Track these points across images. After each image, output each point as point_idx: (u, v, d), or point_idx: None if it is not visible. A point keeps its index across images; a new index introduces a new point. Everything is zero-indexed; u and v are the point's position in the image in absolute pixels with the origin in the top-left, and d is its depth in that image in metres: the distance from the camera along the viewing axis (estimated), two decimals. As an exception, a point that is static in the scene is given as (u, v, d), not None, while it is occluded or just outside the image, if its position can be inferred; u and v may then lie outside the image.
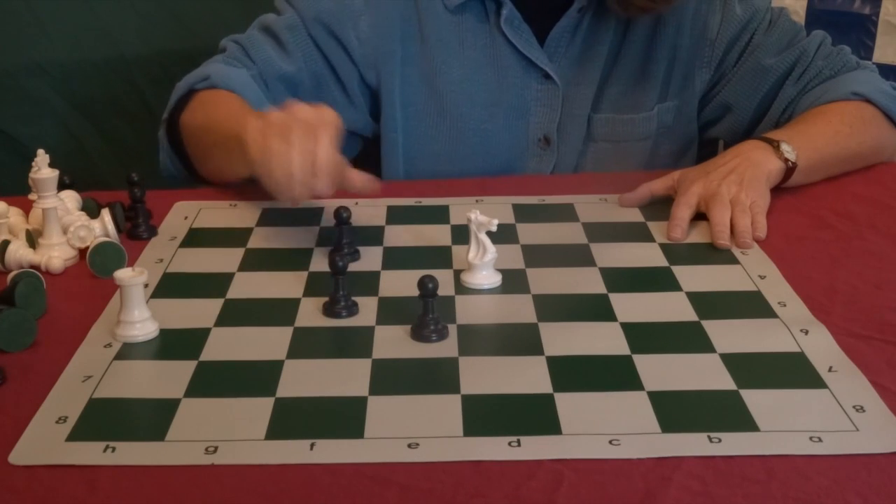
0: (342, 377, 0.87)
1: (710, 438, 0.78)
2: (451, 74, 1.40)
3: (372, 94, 1.42)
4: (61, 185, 1.13)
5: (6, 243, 1.08)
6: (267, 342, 0.93)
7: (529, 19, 1.38)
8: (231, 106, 1.25)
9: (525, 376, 0.87)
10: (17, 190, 1.21)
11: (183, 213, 1.24)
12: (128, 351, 0.92)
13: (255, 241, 1.16)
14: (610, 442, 0.77)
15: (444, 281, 0.98)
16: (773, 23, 1.43)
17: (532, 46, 1.39)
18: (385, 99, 1.41)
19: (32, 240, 1.10)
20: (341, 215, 1.10)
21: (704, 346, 0.92)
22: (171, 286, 1.05)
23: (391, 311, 0.98)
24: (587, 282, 1.05)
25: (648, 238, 1.16)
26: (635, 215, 1.22)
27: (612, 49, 1.41)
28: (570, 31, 1.39)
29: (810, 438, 0.78)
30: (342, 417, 0.81)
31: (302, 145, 1.03)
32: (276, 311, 0.98)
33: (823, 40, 1.43)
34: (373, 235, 1.16)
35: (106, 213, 1.14)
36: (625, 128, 1.44)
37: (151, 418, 0.82)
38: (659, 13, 1.38)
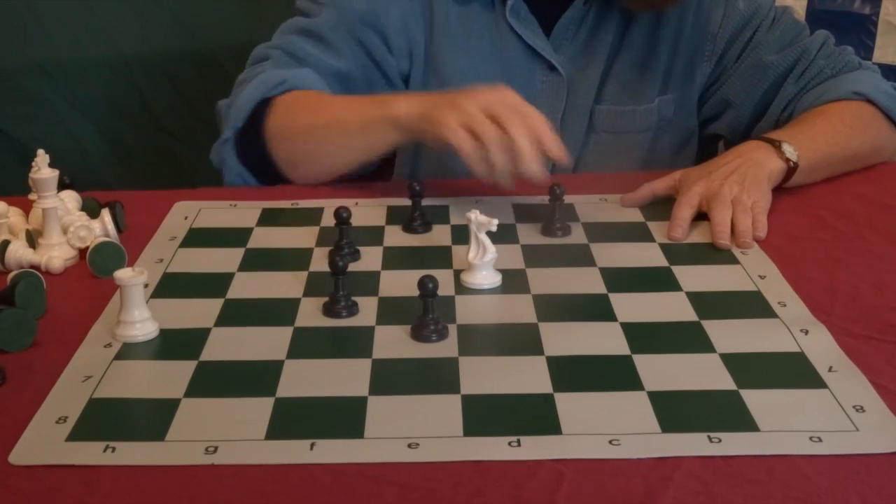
0: (342, 377, 0.87)
1: (710, 438, 0.78)
2: (456, 64, 1.40)
3: (405, 82, 1.42)
4: (61, 185, 1.13)
5: (6, 243, 1.08)
6: (267, 342, 0.93)
7: (535, 10, 1.39)
8: (341, 99, 1.30)
9: (525, 376, 0.87)
10: (17, 190, 1.21)
11: (183, 213, 1.24)
12: (128, 351, 0.92)
13: (255, 241, 1.16)
14: (610, 442, 0.77)
15: (444, 281, 0.98)
16: (776, 20, 1.43)
17: (538, 37, 1.39)
18: (412, 87, 1.42)
19: (32, 240, 1.10)
20: (341, 215, 1.10)
21: (704, 346, 0.92)
22: (171, 286, 1.05)
23: (391, 311, 0.98)
24: (587, 282, 1.05)
25: (648, 238, 1.16)
26: (635, 215, 1.22)
27: (614, 41, 1.42)
28: (576, 23, 1.40)
29: (810, 438, 0.78)
30: (342, 417, 0.81)
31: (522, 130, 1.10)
32: (276, 311, 0.98)
33: (826, 40, 1.43)
34: (373, 235, 1.16)
35: (106, 213, 1.14)
36: (626, 119, 1.44)
37: (151, 418, 0.82)
38: (665, 9, 1.38)
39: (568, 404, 0.82)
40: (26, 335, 0.92)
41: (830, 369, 0.87)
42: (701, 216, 1.18)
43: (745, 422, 0.80)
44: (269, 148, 1.29)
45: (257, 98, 1.31)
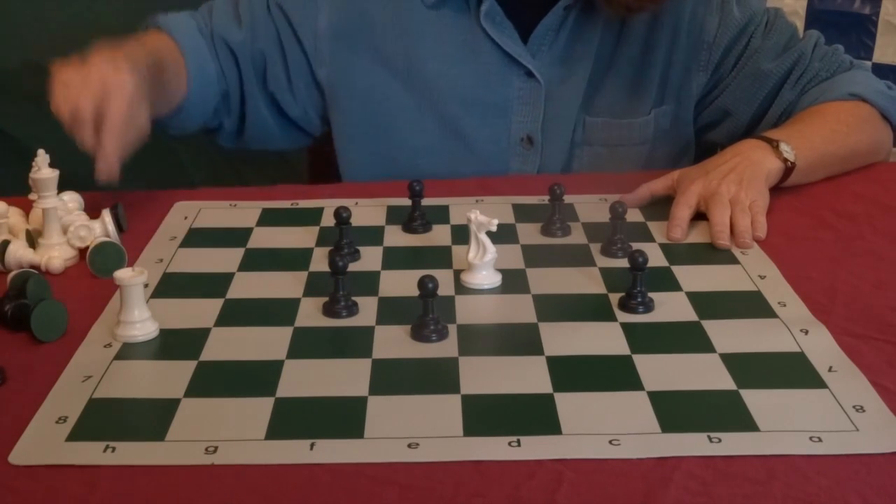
0: (342, 377, 0.87)
1: (710, 438, 0.78)
2: (426, 69, 1.39)
3: (319, 89, 1.42)
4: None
5: (6, 243, 1.08)
6: (267, 342, 0.93)
7: (512, 15, 1.37)
8: (133, 41, 1.27)
9: (525, 376, 0.87)
10: (17, 190, 1.21)
11: (183, 213, 1.24)
12: (128, 351, 0.92)
13: (254, 241, 1.16)
14: (610, 442, 0.77)
15: (444, 281, 0.98)
16: (770, 25, 1.42)
17: (514, 43, 1.37)
18: (339, 95, 1.41)
19: (32, 240, 1.10)
20: (341, 215, 1.10)
21: (704, 346, 0.92)
22: (171, 286, 1.05)
23: (391, 311, 0.98)
24: (587, 282, 1.05)
25: (648, 238, 1.16)
26: (635, 215, 1.22)
27: (605, 50, 1.39)
28: (555, 29, 1.37)
29: (810, 438, 0.78)
30: (342, 417, 0.81)
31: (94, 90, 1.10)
32: (276, 311, 0.98)
33: (818, 41, 1.43)
34: (373, 235, 1.16)
35: (106, 213, 1.13)
36: (621, 132, 1.43)
37: (151, 418, 0.82)
38: (645, 11, 1.36)
39: (568, 404, 0.82)
40: (57, 330, 0.93)
41: (830, 369, 0.87)
42: (700, 216, 1.18)
43: (744, 422, 0.80)
44: None
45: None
